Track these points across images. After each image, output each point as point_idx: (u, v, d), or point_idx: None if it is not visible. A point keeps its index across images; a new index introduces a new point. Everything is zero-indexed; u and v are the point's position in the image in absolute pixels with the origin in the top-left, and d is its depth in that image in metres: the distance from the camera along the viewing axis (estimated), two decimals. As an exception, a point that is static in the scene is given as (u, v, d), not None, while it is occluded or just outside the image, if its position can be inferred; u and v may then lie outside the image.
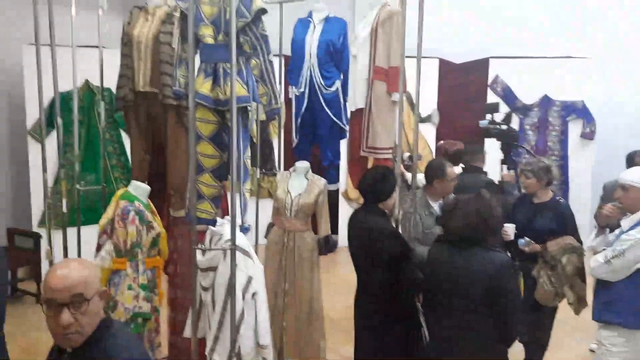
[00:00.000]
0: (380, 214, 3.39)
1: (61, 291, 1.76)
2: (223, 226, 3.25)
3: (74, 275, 1.80)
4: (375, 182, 3.40)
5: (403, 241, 3.37)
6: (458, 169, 4.56)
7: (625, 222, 3.26)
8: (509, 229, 3.94)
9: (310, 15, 4.59)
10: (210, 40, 3.19)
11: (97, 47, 4.17)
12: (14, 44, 5.80)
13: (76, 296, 1.77)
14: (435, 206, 3.84)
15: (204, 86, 3.21)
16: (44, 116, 4.00)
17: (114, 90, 4.25)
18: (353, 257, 3.51)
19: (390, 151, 4.05)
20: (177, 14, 3.64)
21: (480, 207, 2.82)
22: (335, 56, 4.46)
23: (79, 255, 4.01)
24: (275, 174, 4.27)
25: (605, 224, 3.48)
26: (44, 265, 5.42)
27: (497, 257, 2.77)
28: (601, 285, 3.29)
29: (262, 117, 3.58)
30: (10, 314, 3.19)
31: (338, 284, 5.50)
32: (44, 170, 3.84)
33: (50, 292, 1.78)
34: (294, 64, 4.60)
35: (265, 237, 4.30)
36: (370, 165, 4.54)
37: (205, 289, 3.27)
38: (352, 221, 3.51)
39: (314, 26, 4.52)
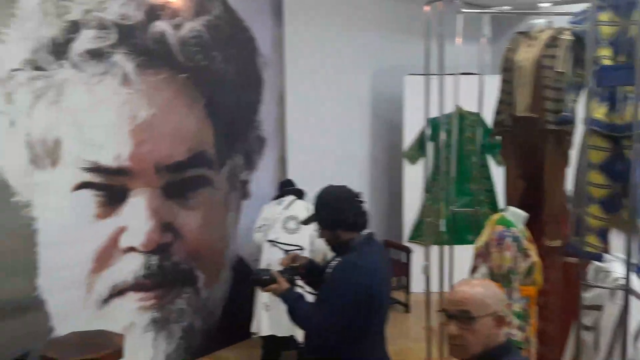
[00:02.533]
0: None
1: (451, 304, 1.89)
2: (611, 263, 3.00)
3: (465, 292, 1.89)
4: None
5: None
6: None
7: None
8: None
9: None
10: (608, 62, 2.98)
11: (472, 74, 4.32)
12: (396, 74, 6.48)
13: (462, 312, 1.84)
14: None
15: (599, 111, 3.00)
16: (423, 140, 4.33)
17: (482, 116, 4.37)
18: None
19: None
20: (563, 37, 3.52)
21: None
22: None
23: (450, 273, 4.20)
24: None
25: None
26: (414, 278, 5.89)
27: None
28: None
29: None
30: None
31: None
32: (426, 191, 4.13)
33: (445, 302, 1.93)
34: None
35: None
36: None
37: (585, 327, 3.05)
38: None
39: None
